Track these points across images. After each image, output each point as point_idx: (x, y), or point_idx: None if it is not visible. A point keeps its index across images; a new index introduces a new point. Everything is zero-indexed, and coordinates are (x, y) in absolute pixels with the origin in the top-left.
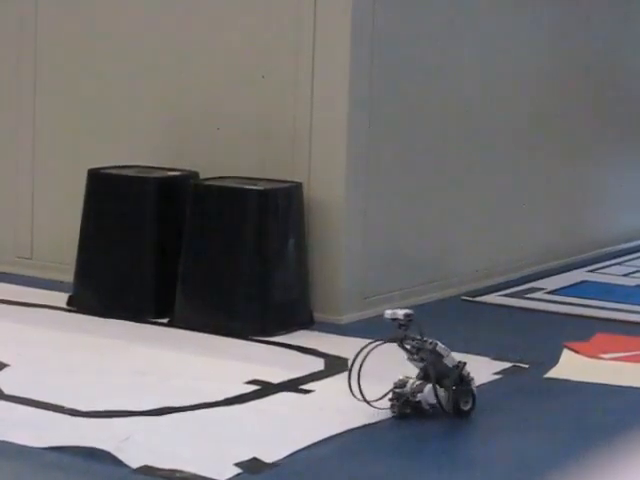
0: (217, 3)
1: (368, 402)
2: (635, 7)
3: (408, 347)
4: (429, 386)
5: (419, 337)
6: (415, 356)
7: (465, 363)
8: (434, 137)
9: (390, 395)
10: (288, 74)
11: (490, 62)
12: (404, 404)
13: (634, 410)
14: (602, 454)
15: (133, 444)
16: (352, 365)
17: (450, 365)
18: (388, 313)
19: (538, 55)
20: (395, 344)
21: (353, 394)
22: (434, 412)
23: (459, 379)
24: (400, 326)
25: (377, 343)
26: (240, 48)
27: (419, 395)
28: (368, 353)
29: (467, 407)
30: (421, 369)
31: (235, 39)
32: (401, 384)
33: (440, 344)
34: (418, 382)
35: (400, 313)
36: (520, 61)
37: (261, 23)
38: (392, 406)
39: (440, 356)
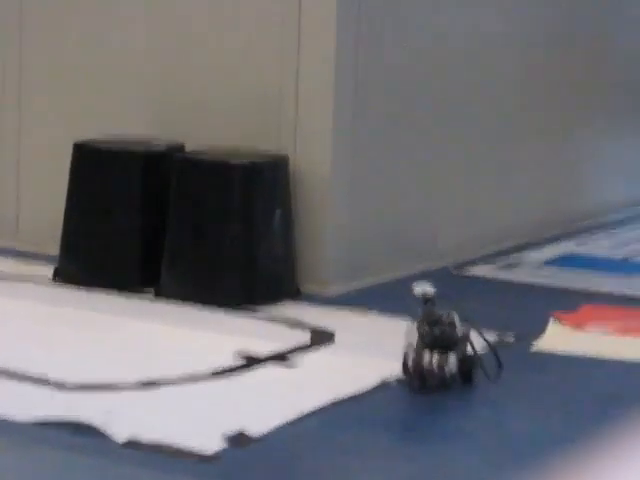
0: None
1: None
2: None
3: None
4: (453, 357)
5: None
6: (434, 329)
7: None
8: (420, 110)
9: (411, 372)
10: (273, 45)
11: (476, 37)
12: (437, 380)
13: (619, 382)
14: (587, 427)
15: (119, 418)
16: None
17: (460, 335)
18: (418, 290)
19: (524, 30)
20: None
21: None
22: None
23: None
24: (427, 302)
25: (415, 324)
26: (226, 21)
27: (445, 368)
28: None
29: (476, 377)
30: (430, 339)
31: (221, 14)
32: (418, 358)
33: (455, 314)
34: (437, 354)
35: (430, 290)
36: (507, 36)
37: None
38: (420, 382)
39: (454, 326)
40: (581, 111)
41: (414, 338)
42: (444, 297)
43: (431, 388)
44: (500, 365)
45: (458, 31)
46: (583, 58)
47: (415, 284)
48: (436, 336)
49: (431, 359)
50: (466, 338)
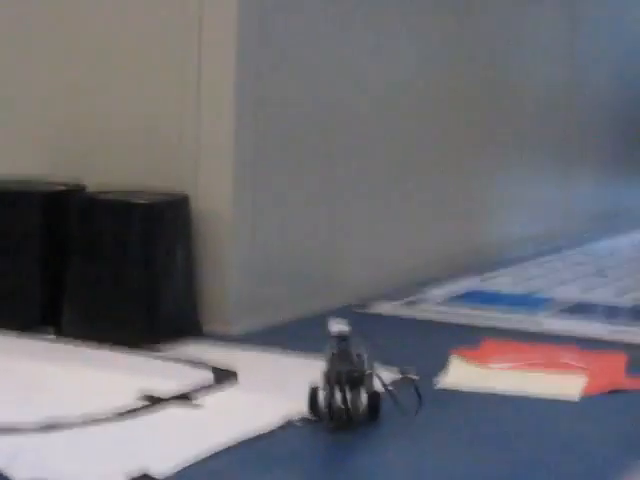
0: (105, 3)
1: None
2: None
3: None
4: (364, 395)
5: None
6: (345, 365)
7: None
8: (322, 147)
9: (325, 409)
10: (173, 82)
11: (378, 73)
12: (347, 417)
13: (523, 419)
14: (494, 464)
15: (22, 461)
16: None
17: (368, 371)
18: (334, 328)
19: (427, 68)
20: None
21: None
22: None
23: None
24: (342, 340)
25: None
26: (125, 58)
27: (358, 405)
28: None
29: (381, 413)
30: (341, 376)
31: (121, 53)
32: (329, 396)
33: (364, 351)
34: (348, 392)
35: (345, 328)
36: (410, 75)
37: (146, 24)
38: (336, 421)
39: (363, 363)
40: (485, 147)
41: (323, 375)
42: (357, 334)
43: (342, 426)
44: (420, 399)
45: (361, 66)
46: (484, 85)
47: (330, 322)
48: (347, 373)
49: (344, 396)
50: (373, 374)
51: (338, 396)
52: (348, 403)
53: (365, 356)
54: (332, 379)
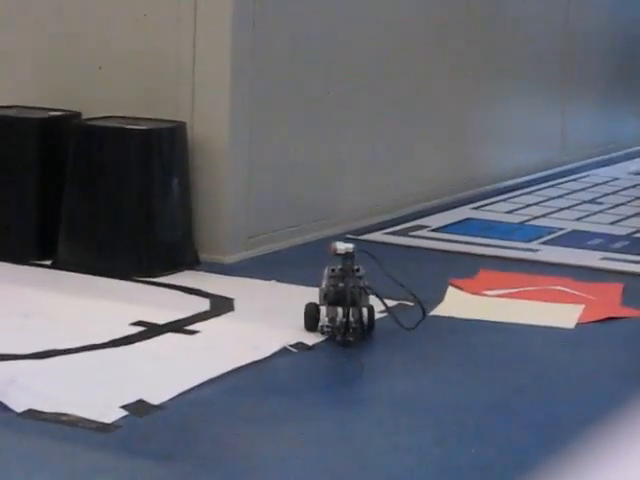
0: None
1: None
2: None
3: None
4: (364, 309)
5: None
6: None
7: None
8: (320, 76)
9: (326, 328)
10: (170, 13)
11: (376, 4)
12: (345, 332)
13: (518, 346)
14: (489, 391)
15: (17, 388)
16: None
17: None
18: (341, 247)
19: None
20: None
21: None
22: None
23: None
24: (347, 258)
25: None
26: None
27: (362, 320)
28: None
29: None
30: (334, 293)
31: None
32: (331, 314)
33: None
34: (345, 308)
35: (350, 246)
36: (408, 5)
37: None
38: (342, 335)
39: (361, 281)
40: (482, 78)
41: (327, 294)
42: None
43: (357, 339)
44: (424, 314)
45: (359, 3)
46: (483, 25)
47: (336, 242)
48: (354, 289)
49: (348, 313)
50: (371, 292)
51: (353, 311)
52: (364, 318)
53: (363, 272)
54: (346, 296)
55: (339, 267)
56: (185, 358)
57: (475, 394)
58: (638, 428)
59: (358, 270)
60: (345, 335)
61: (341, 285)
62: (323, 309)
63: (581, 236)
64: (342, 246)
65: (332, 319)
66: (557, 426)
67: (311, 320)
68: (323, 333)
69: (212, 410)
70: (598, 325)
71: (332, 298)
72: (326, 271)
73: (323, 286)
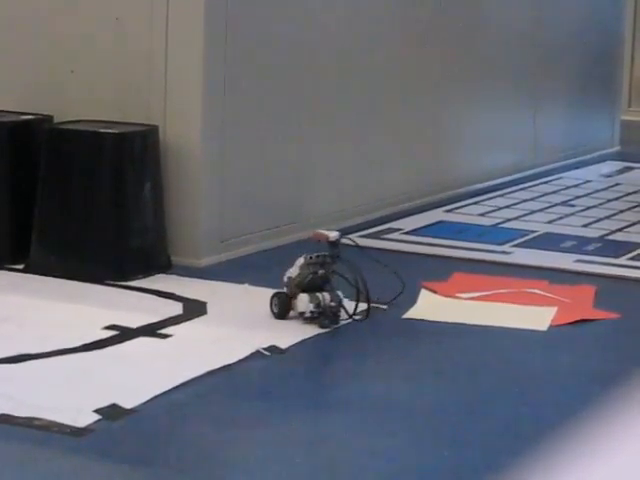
0: None
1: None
2: None
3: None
4: (339, 293)
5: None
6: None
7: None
8: (290, 80)
9: (310, 313)
10: (142, 16)
11: (348, 7)
12: (332, 316)
13: (491, 349)
14: (462, 393)
15: None
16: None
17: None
18: (332, 236)
19: (397, 2)
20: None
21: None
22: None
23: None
24: (333, 245)
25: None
26: None
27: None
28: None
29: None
30: (309, 280)
31: None
32: (316, 300)
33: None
34: (327, 294)
35: (335, 234)
36: (379, 9)
37: None
38: (330, 319)
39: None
40: (453, 81)
41: (304, 281)
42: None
43: (333, 322)
44: (402, 289)
45: (331, 4)
46: (453, 28)
47: (322, 230)
48: (326, 277)
49: (330, 298)
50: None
51: (327, 295)
52: (342, 301)
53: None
54: (314, 282)
55: (316, 254)
56: (158, 362)
57: (448, 397)
58: (610, 429)
59: (339, 257)
60: (335, 317)
61: (321, 272)
62: (304, 297)
63: (554, 238)
64: (332, 233)
65: (318, 304)
66: (530, 428)
67: (283, 309)
68: (305, 319)
69: (185, 414)
70: (571, 327)
71: (313, 284)
72: (302, 259)
73: (294, 275)
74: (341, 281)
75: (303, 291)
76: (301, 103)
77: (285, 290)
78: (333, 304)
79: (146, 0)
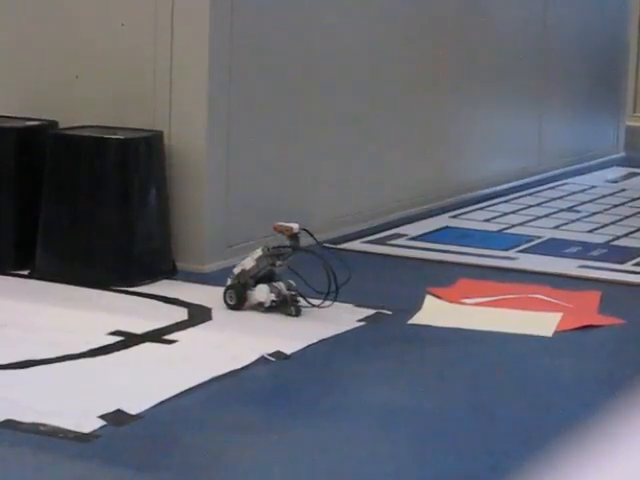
0: None
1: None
2: None
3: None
4: (292, 282)
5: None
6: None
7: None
8: (294, 87)
9: (271, 302)
10: (147, 22)
11: (356, 10)
12: (294, 303)
13: (496, 355)
14: (467, 399)
15: None
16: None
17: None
18: (295, 227)
19: (403, 5)
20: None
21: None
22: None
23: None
24: (292, 237)
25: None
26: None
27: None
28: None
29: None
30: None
31: None
32: (276, 290)
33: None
34: (282, 283)
35: (296, 226)
36: (386, 12)
37: None
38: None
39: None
40: (458, 86)
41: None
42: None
43: (299, 311)
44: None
45: (339, 3)
46: (460, 36)
47: (282, 223)
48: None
49: (286, 287)
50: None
51: (282, 285)
52: (297, 289)
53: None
54: (274, 271)
55: (273, 247)
56: (163, 368)
57: (453, 402)
58: (615, 435)
59: (300, 248)
60: (295, 305)
61: (279, 263)
62: (264, 287)
63: (559, 244)
64: (295, 225)
65: (278, 294)
66: (535, 433)
67: (240, 299)
68: (265, 309)
69: (190, 419)
70: (576, 333)
71: (271, 275)
72: (260, 251)
73: (250, 266)
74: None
75: (261, 282)
76: (307, 109)
77: (235, 282)
78: (293, 292)
79: (151, 6)
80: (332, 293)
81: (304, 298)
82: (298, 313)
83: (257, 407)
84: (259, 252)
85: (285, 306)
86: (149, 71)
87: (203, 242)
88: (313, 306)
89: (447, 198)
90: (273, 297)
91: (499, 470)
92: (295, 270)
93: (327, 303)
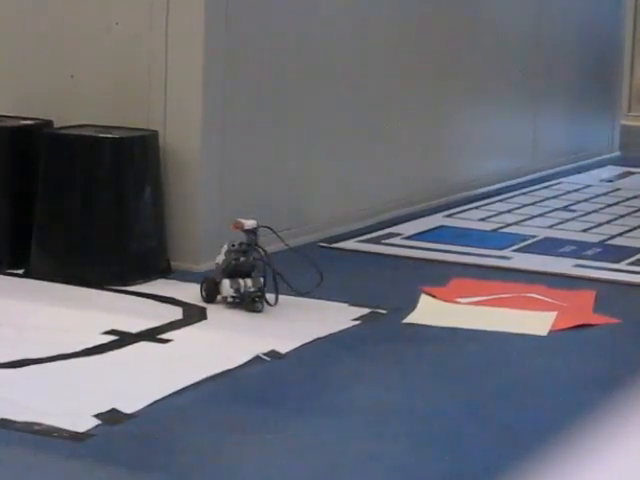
0: None
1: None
2: None
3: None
4: (261, 279)
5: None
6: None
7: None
8: (291, 86)
9: (232, 298)
10: (142, 21)
11: (347, 10)
12: (251, 301)
13: (491, 354)
14: (462, 398)
15: None
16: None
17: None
18: (248, 224)
19: (396, 5)
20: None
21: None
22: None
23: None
24: (249, 232)
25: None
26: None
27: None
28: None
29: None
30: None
31: None
32: (235, 285)
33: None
34: (250, 280)
35: (254, 222)
36: (378, 11)
37: None
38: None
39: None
40: (453, 85)
41: (229, 267)
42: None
43: (260, 308)
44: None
45: (330, 4)
46: (455, 34)
47: (239, 219)
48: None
49: (252, 284)
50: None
51: (255, 281)
52: (262, 288)
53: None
54: (250, 267)
55: (239, 242)
56: (158, 367)
57: (448, 402)
58: (610, 434)
59: (257, 244)
60: (254, 302)
61: (243, 259)
62: (226, 282)
63: (554, 243)
64: (249, 222)
65: (237, 290)
66: (530, 432)
67: (211, 293)
68: (228, 304)
69: (185, 419)
70: (571, 332)
71: (235, 270)
72: (226, 247)
73: (221, 261)
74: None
75: (228, 277)
76: (302, 108)
77: (211, 276)
78: (252, 290)
79: (146, 5)
80: (277, 294)
81: (263, 296)
82: (259, 310)
83: (252, 406)
84: (225, 247)
85: (247, 302)
86: (144, 70)
87: (198, 241)
88: (269, 305)
89: (442, 197)
90: (232, 292)
91: (494, 469)
92: (275, 267)
93: (272, 299)
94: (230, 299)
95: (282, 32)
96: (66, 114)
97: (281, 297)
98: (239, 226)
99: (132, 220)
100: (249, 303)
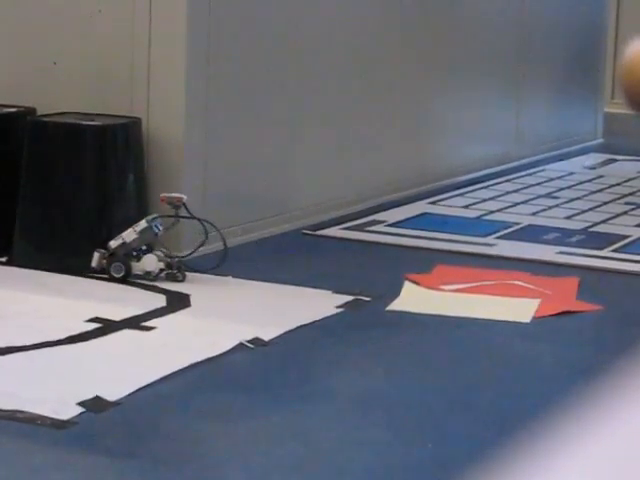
0: None
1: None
2: None
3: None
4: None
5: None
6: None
7: None
8: (273, 72)
9: (159, 271)
10: (125, 8)
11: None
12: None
13: (474, 341)
14: (445, 385)
15: None
16: None
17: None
18: (185, 197)
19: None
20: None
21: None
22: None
23: None
24: (177, 207)
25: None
26: None
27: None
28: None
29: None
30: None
31: None
32: (164, 259)
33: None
34: (161, 251)
35: (182, 196)
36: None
37: None
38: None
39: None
40: (436, 71)
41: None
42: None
43: (181, 278)
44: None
45: (312, 7)
46: (435, 22)
47: (167, 193)
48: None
49: (165, 254)
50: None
51: (162, 254)
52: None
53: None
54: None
55: (156, 216)
56: (141, 354)
57: (432, 388)
58: (593, 420)
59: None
60: (176, 274)
61: (160, 233)
62: (151, 256)
63: (537, 230)
64: (184, 195)
65: (167, 263)
66: (513, 419)
67: (128, 271)
68: (152, 278)
69: (169, 406)
70: (554, 319)
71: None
72: (145, 223)
73: (133, 239)
74: None
75: (143, 253)
76: (286, 94)
77: (117, 254)
78: (175, 259)
79: None
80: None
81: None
82: (184, 278)
83: (236, 393)
84: (143, 224)
85: (171, 273)
86: (127, 58)
87: (181, 228)
88: (194, 271)
89: (425, 184)
90: (162, 266)
91: (477, 455)
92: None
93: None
94: (157, 272)
95: (266, 17)
96: (49, 101)
97: (266, 284)
98: (175, 200)
99: (115, 207)
100: (175, 274)
